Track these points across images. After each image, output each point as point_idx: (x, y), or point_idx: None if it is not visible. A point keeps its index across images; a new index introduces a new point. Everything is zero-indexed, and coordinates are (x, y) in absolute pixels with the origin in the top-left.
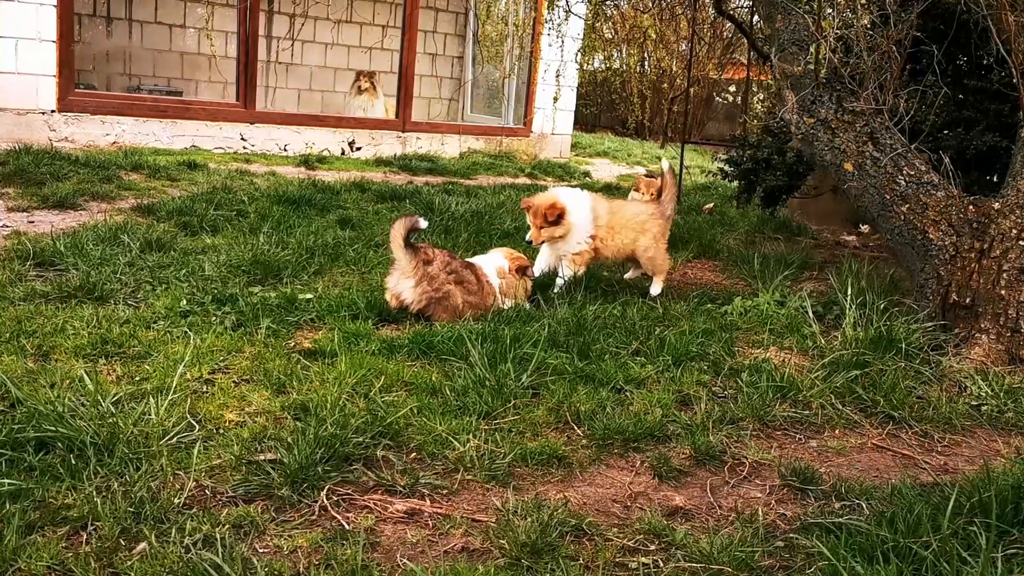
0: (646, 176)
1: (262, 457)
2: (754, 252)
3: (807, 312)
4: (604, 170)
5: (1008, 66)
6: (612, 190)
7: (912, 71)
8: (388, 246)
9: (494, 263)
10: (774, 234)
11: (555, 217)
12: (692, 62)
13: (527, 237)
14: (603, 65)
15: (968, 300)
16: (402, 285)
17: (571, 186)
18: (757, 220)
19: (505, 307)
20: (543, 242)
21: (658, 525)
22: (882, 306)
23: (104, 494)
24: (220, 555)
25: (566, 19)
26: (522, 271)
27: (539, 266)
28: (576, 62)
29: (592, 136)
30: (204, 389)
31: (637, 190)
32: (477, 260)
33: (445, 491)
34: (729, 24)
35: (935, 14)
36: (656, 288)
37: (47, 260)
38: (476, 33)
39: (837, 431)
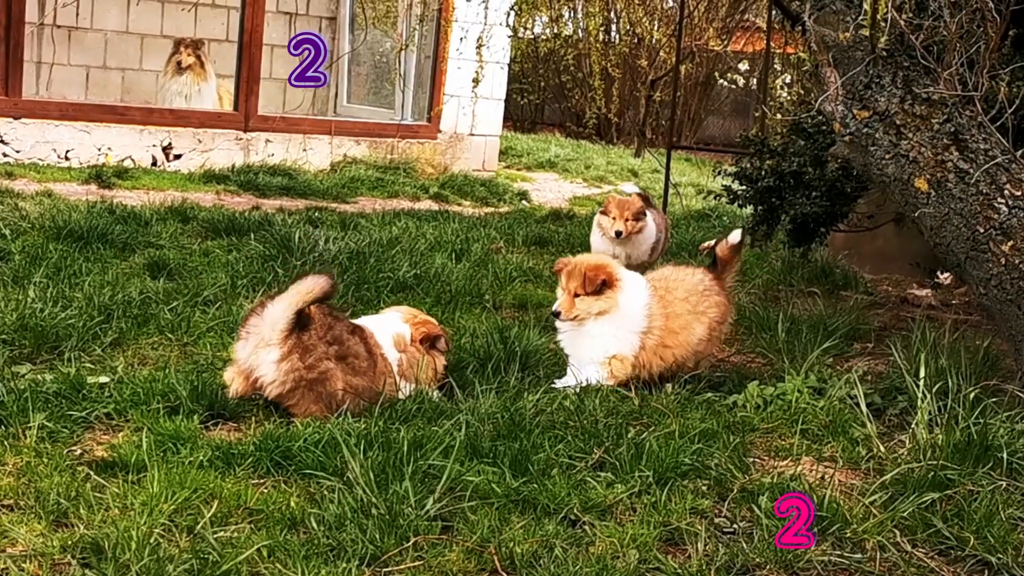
0: (618, 195)
1: None
2: (777, 313)
3: (858, 404)
4: (550, 190)
5: None
6: (560, 218)
7: (1018, 39)
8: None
9: (389, 328)
10: (808, 286)
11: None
12: (683, 26)
13: (555, 307)
14: (548, 31)
15: None
16: (260, 357)
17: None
18: (782, 265)
19: (403, 394)
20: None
21: None
22: (972, 395)
23: None
24: None
25: None
26: (430, 342)
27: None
28: (508, 25)
29: (532, 139)
30: None
31: (605, 213)
32: (366, 323)
33: None
34: None
35: None
36: None
37: None
38: None
39: None
